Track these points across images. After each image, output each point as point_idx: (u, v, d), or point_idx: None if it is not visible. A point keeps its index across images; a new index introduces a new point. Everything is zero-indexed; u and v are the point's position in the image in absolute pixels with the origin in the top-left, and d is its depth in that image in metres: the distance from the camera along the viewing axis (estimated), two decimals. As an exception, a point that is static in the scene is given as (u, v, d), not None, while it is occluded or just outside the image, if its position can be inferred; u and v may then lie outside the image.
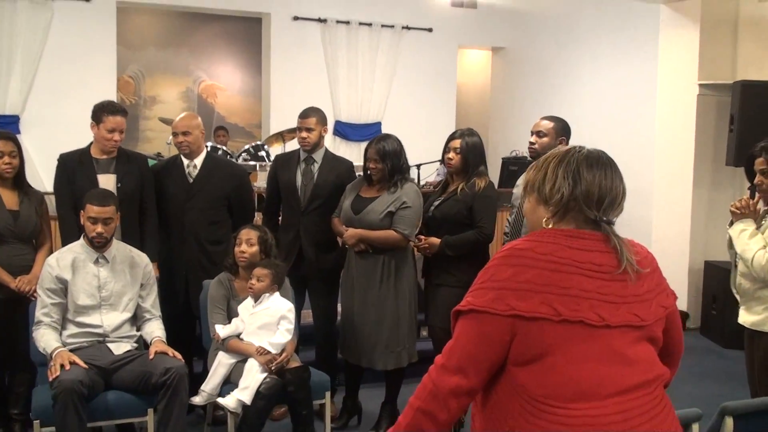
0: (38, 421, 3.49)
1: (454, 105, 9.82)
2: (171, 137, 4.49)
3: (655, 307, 1.85)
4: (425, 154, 7.64)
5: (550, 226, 1.87)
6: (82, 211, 3.75)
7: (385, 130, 9.03)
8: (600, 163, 1.87)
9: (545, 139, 4.07)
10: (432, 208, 4.29)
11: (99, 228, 3.70)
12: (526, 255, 1.80)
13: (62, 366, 3.45)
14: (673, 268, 6.87)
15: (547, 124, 4.10)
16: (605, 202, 1.84)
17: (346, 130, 9.04)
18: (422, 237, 4.24)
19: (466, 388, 1.79)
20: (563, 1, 8.74)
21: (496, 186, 4.53)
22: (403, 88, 9.36)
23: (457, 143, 4.20)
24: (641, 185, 7.28)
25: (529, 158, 4.57)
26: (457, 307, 1.84)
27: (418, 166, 7.78)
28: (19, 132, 7.50)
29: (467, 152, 4.18)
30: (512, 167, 8.06)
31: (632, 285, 1.82)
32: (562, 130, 4.10)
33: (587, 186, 1.83)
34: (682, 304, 7.00)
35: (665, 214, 7.21)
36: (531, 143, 4.15)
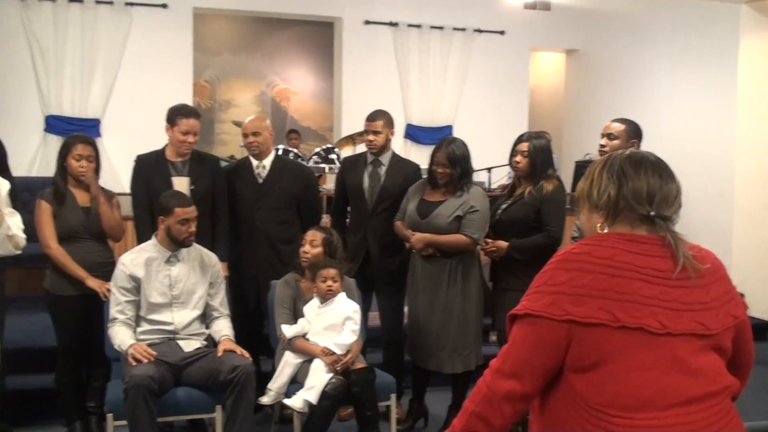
0: (111, 414, 3.60)
1: (526, 108, 9.72)
2: (242, 139, 4.55)
3: (723, 315, 1.78)
4: (496, 158, 7.59)
5: (605, 230, 1.82)
6: (162, 216, 3.84)
7: (456, 133, 9.01)
8: (645, 162, 1.82)
9: (616, 142, 3.96)
10: (499, 211, 4.24)
11: (191, 227, 3.82)
12: (582, 259, 1.76)
13: (137, 360, 3.56)
14: (756, 275, 6.64)
15: (618, 127, 4.00)
16: (656, 199, 1.79)
17: (417, 134, 9.04)
18: (490, 240, 4.20)
19: (520, 393, 1.76)
20: (639, 2, 8.54)
21: (569, 189, 4.45)
22: (475, 91, 9.30)
23: (524, 146, 4.14)
24: (722, 190, 7.07)
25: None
26: (513, 311, 1.81)
27: (489, 170, 7.73)
28: (99, 135, 7.76)
29: (534, 155, 4.12)
30: (585, 170, 7.92)
31: (697, 292, 1.75)
32: (634, 132, 3.99)
33: (633, 184, 1.79)
34: (766, 313, 6.74)
35: (747, 220, 6.97)
36: (601, 146, 4.06)
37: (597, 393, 1.70)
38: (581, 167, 8.23)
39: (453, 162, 4.15)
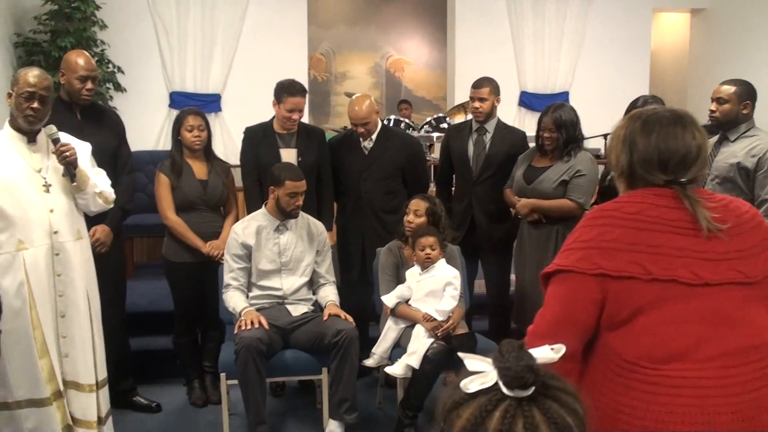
0: (224, 374, 3.79)
1: (647, 72, 9.36)
2: (351, 126, 4.52)
3: (763, 262, 1.73)
4: (615, 123, 7.35)
5: None
6: (273, 186, 3.97)
7: (572, 99, 8.80)
8: (659, 125, 1.78)
9: (726, 106, 3.78)
10: (609, 177, 4.14)
11: (299, 201, 3.95)
12: (612, 215, 1.75)
13: (248, 323, 3.72)
14: None
15: (728, 89, 3.80)
16: (671, 164, 1.76)
17: (531, 101, 8.89)
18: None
19: None
20: (771, -46, 8.04)
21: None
22: (593, 56, 9.04)
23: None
24: None
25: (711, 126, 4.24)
26: (544, 271, 1.82)
27: (605, 136, 7.52)
28: (220, 109, 8.07)
29: None
30: (711, 135, 7.58)
31: (734, 241, 1.71)
32: (746, 93, 3.78)
33: (642, 152, 1.78)
34: None
35: None
36: (711, 111, 3.88)
37: (630, 346, 1.70)
38: (707, 131, 7.88)
39: (559, 126, 4.08)
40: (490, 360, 1.08)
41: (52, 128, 3.30)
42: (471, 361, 1.11)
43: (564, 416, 1.04)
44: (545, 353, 1.12)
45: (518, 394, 1.05)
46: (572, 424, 1.04)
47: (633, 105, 4.07)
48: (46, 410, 3.15)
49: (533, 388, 1.05)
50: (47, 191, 3.24)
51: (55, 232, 3.22)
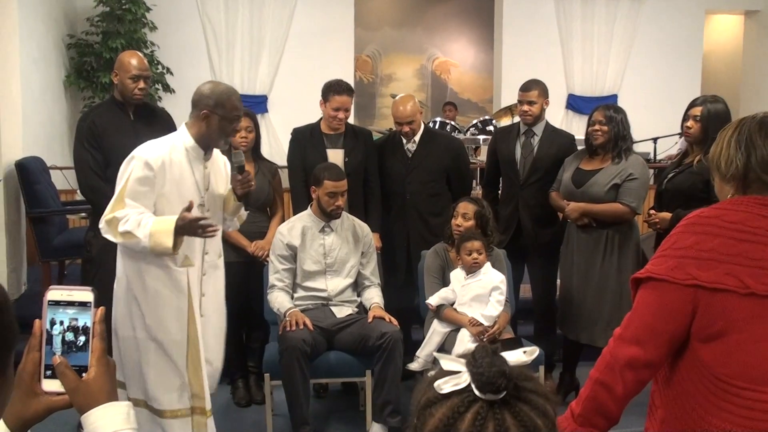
0: (268, 374, 3.80)
1: (699, 75, 9.19)
2: (395, 125, 4.49)
3: None
4: (664, 128, 7.28)
5: None
6: (314, 186, 3.97)
7: (621, 102, 8.67)
8: None
9: (787, 106, 3.67)
10: (665, 180, 4.04)
11: (339, 201, 3.93)
12: (711, 223, 1.68)
13: (293, 324, 3.72)
14: None
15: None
16: None
17: (579, 104, 8.80)
18: (653, 211, 4.02)
19: (642, 360, 1.70)
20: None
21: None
22: (642, 59, 8.91)
23: (697, 111, 3.88)
24: None
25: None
26: (635, 275, 1.76)
27: (655, 140, 7.41)
28: (266, 110, 8.12)
29: (708, 120, 3.84)
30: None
31: None
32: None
33: (762, 153, 1.68)
34: None
35: None
36: None
37: (723, 363, 1.63)
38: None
39: (609, 120, 4.02)
40: (464, 361, 1.07)
41: (242, 156, 3.31)
42: (446, 361, 1.10)
43: (534, 418, 1.03)
44: (518, 357, 1.11)
45: (490, 397, 1.04)
46: (542, 425, 1.04)
47: (692, 104, 3.96)
48: (186, 419, 3.23)
49: (505, 392, 1.04)
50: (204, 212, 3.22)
51: (206, 253, 3.26)
